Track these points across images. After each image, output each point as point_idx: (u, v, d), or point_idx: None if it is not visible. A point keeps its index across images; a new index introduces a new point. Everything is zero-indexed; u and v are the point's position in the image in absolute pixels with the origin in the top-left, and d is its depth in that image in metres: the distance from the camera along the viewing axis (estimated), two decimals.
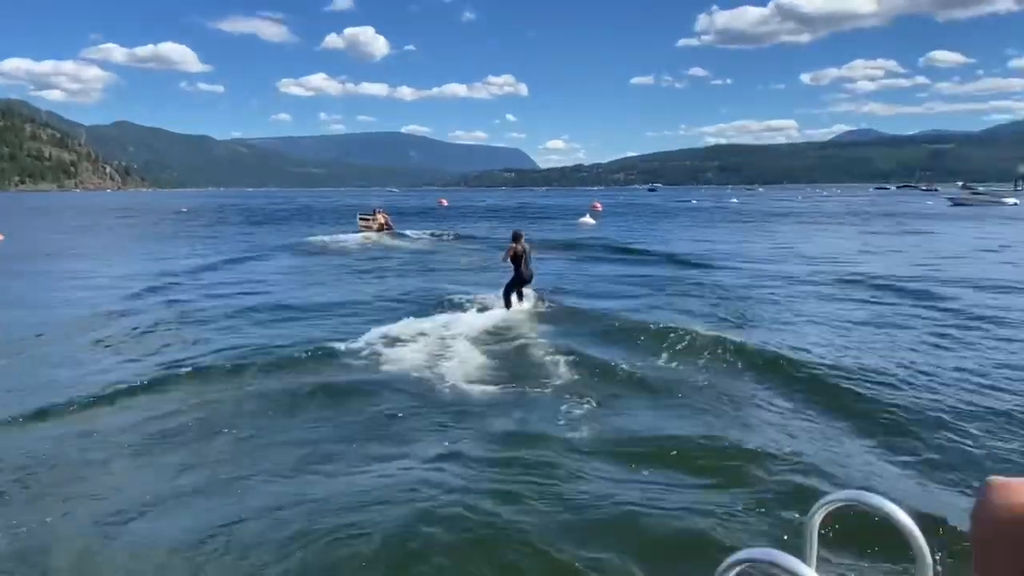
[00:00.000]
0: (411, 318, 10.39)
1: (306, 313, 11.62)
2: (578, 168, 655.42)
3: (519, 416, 6.29)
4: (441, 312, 11.16)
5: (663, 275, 16.63)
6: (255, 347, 8.88)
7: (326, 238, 28.50)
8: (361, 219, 33.76)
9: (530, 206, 74.32)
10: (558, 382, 7.34)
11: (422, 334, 9.48)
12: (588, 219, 41.37)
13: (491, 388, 7.17)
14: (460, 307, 11.61)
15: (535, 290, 12.15)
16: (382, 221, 32.11)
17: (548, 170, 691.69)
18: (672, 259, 20.07)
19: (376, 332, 9.34)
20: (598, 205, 64.04)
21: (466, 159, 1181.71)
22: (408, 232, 31.38)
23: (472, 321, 10.40)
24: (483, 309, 11.37)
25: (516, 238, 11.64)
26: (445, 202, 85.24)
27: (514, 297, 11.56)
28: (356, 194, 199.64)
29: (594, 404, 6.57)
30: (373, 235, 30.28)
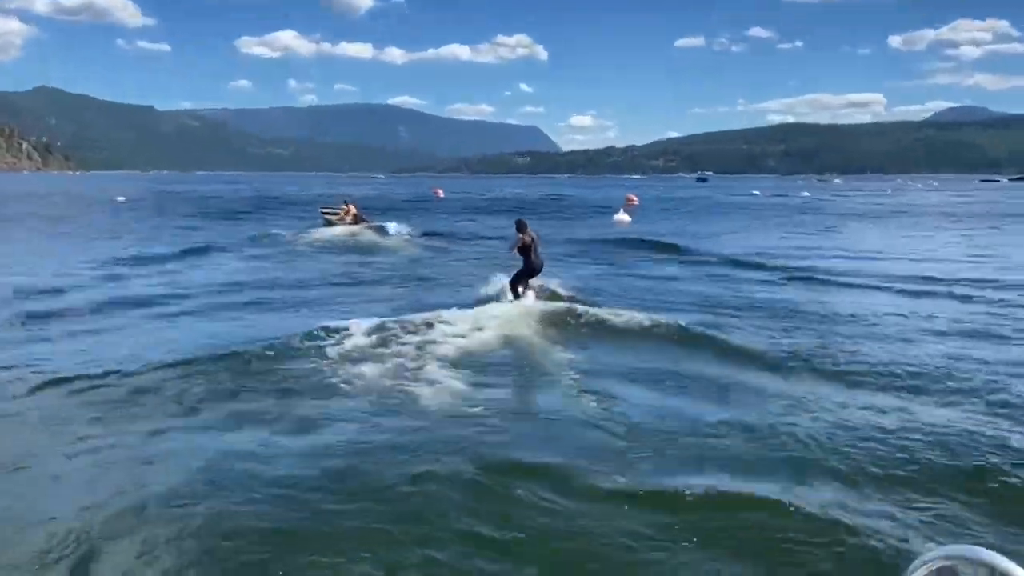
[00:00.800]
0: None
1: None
2: (608, 151, 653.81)
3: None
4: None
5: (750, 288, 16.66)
6: None
7: (288, 234, 29.27)
8: (327, 212, 34.48)
9: (548, 199, 74.47)
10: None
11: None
12: (623, 216, 41.28)
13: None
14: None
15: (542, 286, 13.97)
16: (355, 212, 33.00)
17: (571, 153, 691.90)
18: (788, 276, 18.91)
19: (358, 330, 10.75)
20: (633, 198, 64.06)
21: (469, 139, 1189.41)
22: (390, 227, 31.30)
23: (477, 322, 11.70)
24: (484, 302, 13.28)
25: (522, 227, 13.55)
26: (441, 193, 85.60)
27: (520, 288, 13.42)
28: (332, 180, 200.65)
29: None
30: (341, 229, 30.83)
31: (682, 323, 11.59)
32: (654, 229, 35.06)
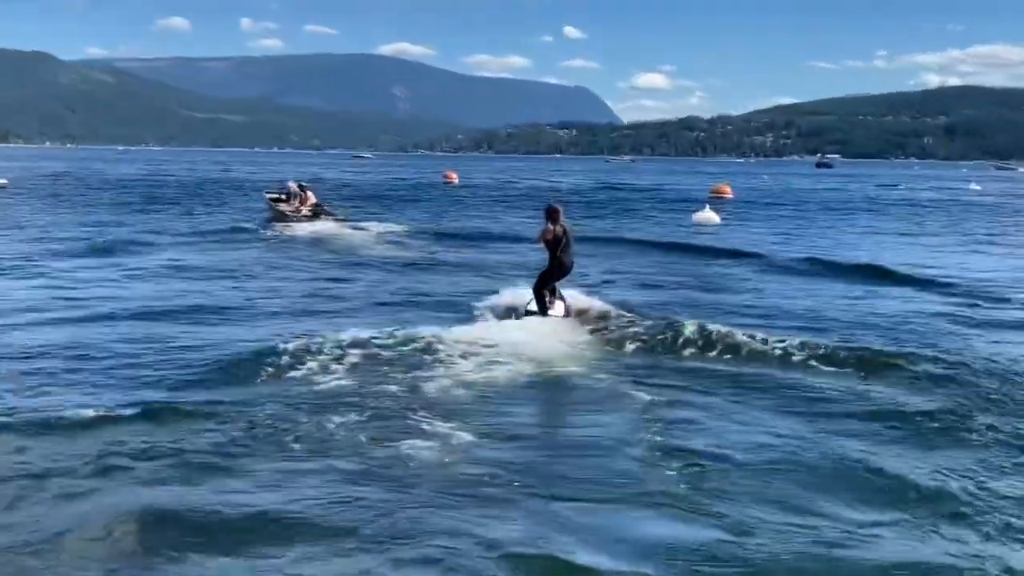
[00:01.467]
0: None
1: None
2: (690, 123, 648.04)
3: None
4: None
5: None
6: None
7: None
8: (274, 199, 35.88)
9: (601, 189, 74.32)
10: None
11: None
12: (708, 214, 41.17)
13: None
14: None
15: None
16: (314, 202, 34.34)
17: (635, 126, 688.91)
18: None
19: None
20: (726, 189, 63.87)
21: (492, 104, 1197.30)
22: (370, 226, 31.61)
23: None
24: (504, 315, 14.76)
25: (553, 215, 14.72)
26: (455, 177, 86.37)
27: (547, 295, 14.68)
28: (301, 159, 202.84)
29: None
30: (302, 227, 31.85)
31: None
32: (755, 234, 34.99)
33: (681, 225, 39.24)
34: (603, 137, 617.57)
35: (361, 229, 31.15)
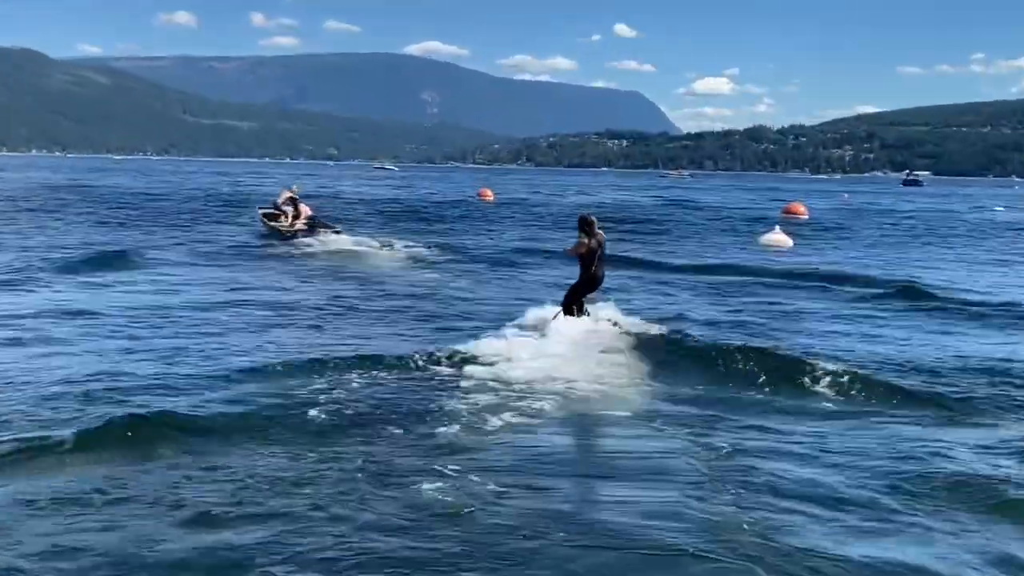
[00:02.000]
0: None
1: None
2: (757, 134, 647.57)
3: None
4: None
5: None
6: None
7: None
8: (268, 214, 36.88)
9: (657, 206, 74.00)
10: None
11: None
12: (778, 235, 40.99)
13: None
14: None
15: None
16: (310, 214, 35.48)
17: (694, 136, 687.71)
18: None
19: None
20: (800, 208, 63.59)
21: (534, 111, 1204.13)
22: (393, 245, 32.54)
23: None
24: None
25: (587, 227, 15.84)
26: (490, 194, 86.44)
27: (576, 308, 16.10)
28: (318, 171, 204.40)
29: None
30: (305, 240, 33.04)
31: None
32: (832, 259, 34.90)
33: (747, 248, 39.17)
34: (657, 148, 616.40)
35: (376, 248, 31.94)
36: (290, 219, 35.12)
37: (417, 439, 10.30)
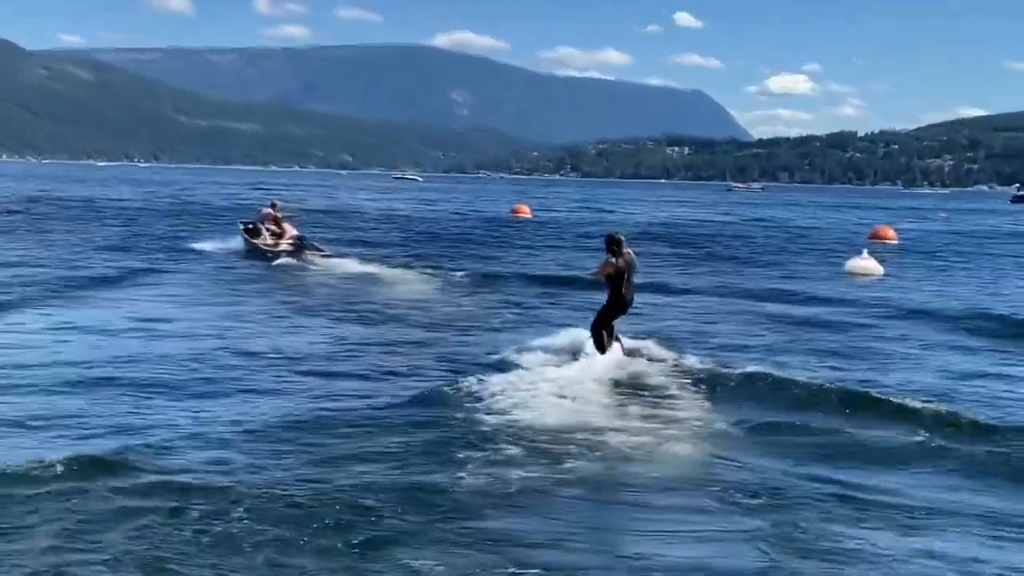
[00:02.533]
0: None
1: None
2: (841, 140, 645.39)
3: None
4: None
5: None
6: None
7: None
8: (248, 229, 38.53)
9: (726, 224, 73.39)
10: None
11: None
12: (866, 261, 40.65)
13: None
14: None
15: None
16: (295, 234, 37.35)
17: (767, 143, 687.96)
18: None
19: None
20: (888, 232, 62.90)
21: (578, 113, 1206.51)
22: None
23: None
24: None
25: (615, 246, 16.89)
26: (526, 210, 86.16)
27: (606, 334, 17.22)
28: (330, 182, 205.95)
29: None
30: (288, 260, 34.92)
31: None
32: (933, 291, 34.48)
33: (829, 276, 38.88)
34: (724, 157, 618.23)
35: (391, 272, 32.82)
36: (271, 237, 36.89)
37: (421, 498, 10.07)
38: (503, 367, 16.71)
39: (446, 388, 15.09)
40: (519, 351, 18.00)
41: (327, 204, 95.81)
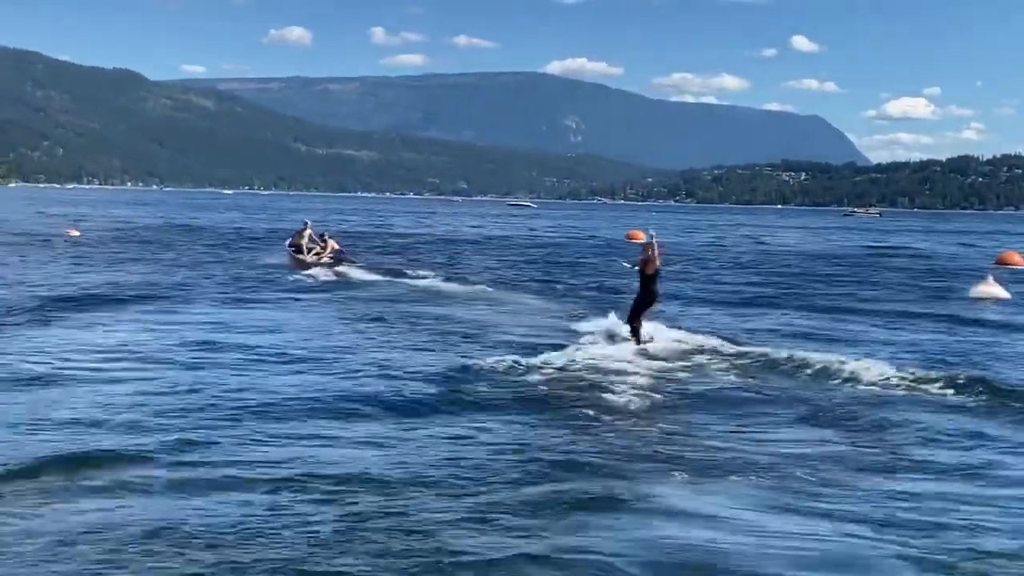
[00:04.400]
0: None
1: None
2: (962, 164, 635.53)
3: None
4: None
5: None
6: None
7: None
8: (295, 245, 43.33)
9: (841, 251, 72.26)
10: None
11: None
12: (991, 286, 39.85)
13: None
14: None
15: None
16: (336, 248, 42.89)
17: (886, 168, 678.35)
18: None
19: None
20: (1016, 257, 61.64)
21: (695, 138, 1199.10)
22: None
23: None
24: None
25: (649, 249, 19.62)
26: (641, 236, 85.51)
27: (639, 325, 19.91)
28: (444, 209, 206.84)
29: None
30: (324, 272, 38.93)
31: None
32: None
33: (949, 299, 38.49)
34: (842, 183, 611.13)
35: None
36: (320, 251, 42.12)
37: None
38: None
39: None
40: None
41: (435, 230, 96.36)
